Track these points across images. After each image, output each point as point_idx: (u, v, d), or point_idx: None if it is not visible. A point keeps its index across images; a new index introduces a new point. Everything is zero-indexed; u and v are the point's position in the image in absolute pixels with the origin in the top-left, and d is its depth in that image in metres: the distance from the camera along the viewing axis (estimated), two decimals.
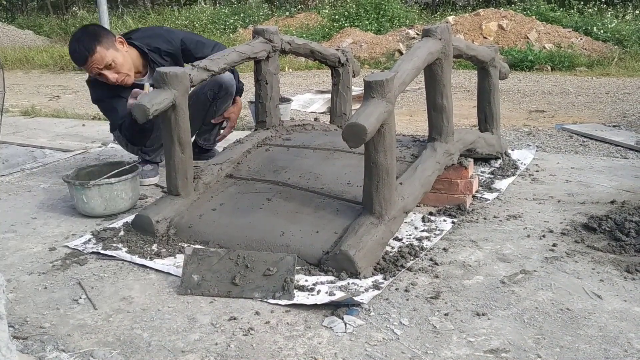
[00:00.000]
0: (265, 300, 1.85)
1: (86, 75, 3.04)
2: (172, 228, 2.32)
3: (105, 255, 2.21)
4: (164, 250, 2.21)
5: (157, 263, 2.11)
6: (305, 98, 6.11)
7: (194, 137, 3.27)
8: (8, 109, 5.83)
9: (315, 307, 1.79)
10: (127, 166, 2.77)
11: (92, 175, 2.76)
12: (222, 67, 2.53)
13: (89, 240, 2.35)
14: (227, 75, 3.08)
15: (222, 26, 12.04)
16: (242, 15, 12.63)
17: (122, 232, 2.38)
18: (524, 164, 3.24)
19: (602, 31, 9.02)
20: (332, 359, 1.54)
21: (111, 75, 2.81)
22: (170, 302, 1.86)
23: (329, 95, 3.85)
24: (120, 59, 2.84)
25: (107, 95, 2.97)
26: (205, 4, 14.06)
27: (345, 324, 1.69)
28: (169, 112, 2.29)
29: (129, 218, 2.52)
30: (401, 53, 8.97)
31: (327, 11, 11.74)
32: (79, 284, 2.00)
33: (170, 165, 2.40)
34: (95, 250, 2.25)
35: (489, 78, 3.05)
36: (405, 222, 2.39)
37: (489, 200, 2.69)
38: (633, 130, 4.25)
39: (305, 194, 2.36)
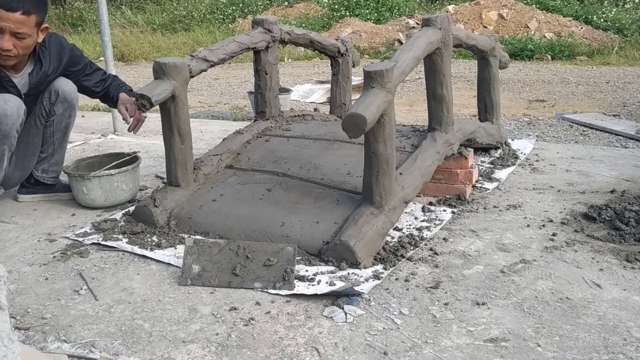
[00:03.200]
0: (265, 290, 1.85)
1: None
2: (173, 219, 2.33)
3: (106, 246, 2.21)
4: (165, 241, 2.21)
5: (158, 254, 2.12)
6: (304, 88, 6.10)
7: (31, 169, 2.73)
8: None
9: (315, 297, 1.79)
10: (128, 157, 2.77)
11: (92, 167, 2.75)
12: (221, 57, 2.52)
13: (90, 231, 2.35)
14: (66, 82, 2.62)
15: (221, 16, 11.98)
16: (240, 5, 12.57)
17: (122, 223, 2.39)
18: (524, 154, 3.24)
19: (602, 20, 8.99)
20: (333, 348, 1.55)
21: (7, 44, 2.30)
22: (171, 292, 1.87)
23: (328, 86, 3.84)
24: (31, 41, 2.38)
25: None
26: None
27: (346, 314, 1.69)
28: (168, 103, 2.28)
29: (130, 209, 2.52)
30: (401, 43, 8.94)
31: (326, 1, 11.68)
32: (79, 275, 2.00)
33: (170, 157, 2.40)
34: (95, 241, 2.25)
35: (489, 67, 3.04)
36: (405, 212, 2.40)
37: (488, 190, 2.69)
38: (633, 120, 4.24)
39: (305, 184, 2.36)
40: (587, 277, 1.87)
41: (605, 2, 10.18)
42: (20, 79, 2.50)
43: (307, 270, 1.94)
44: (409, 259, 2.04)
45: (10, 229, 2.45)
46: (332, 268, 1.95)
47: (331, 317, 1.69)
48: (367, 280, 1.86)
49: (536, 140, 3.56)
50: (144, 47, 9.79)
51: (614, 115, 4.39)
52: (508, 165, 3.01)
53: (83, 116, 4.99)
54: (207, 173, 2.53)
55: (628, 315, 1.65)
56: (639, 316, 1.65)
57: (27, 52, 2.44)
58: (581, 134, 3.92)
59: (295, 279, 1.88)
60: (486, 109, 3.12)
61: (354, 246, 1.94)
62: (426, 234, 2.22)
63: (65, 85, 2.63)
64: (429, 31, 2.31)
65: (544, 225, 2.29)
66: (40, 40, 2.47)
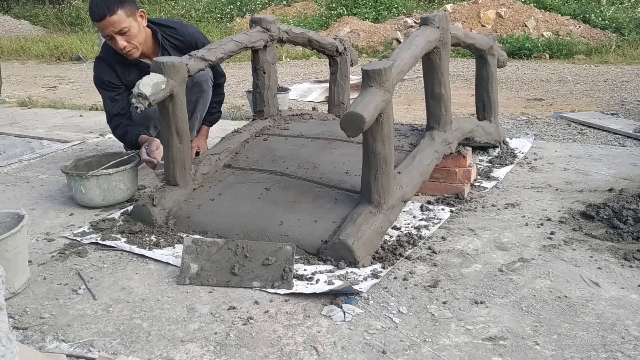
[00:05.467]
0: (264, 289, 1.85)
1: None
2: (171, 218, 2.32)
3: (104, 245, 2.21)
4: (163, 240, 2.21)
5: (156, 253, 2.12)
6: (303, 87, 6.09)
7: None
8: (5, 100, 5.81)
9: (314, 296, 1.79)
10: (126, 157, 2.77)
11: (90, 166, 2.75)
12: (219, 56, 2.51)
13: (88, 230, 2.35)
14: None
15: (219, 15, 11.97)
16: (238, 3, 12.56)
17: (120, 223, 2.38)
18: (522, 153, 3.24)
19: (600, 19, 8.99)
20: (331, 347, 1.55)
21: (121, 42, 2.75)
22: (170, 292, 1.87)
23: (326, 85, 3.85)
24: (135, 29, 2.79)
25: (111, 83, 2.94)
26: None
27: (344, 313, 1.70)
28: (167, 102, 2.28)
29: (128, 208, 2.52)
30: (399, 42, 8.94)
31: None
32: (78, 275, 2.00)
33: (168, 156, 2.39)
34: (94, 240, 2.25)
35: (487, 66, 3.04)
36: (404, 211, 2.40)
37: (487, 188, 2.69)
38: (631, 118, 4.24)
39: (303, 183, 2.36)
40: (585, 276, 1.88)
41: (603, 0, 10.18)
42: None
43: (305, 270, 1.94)
44: (408, 257, 2.04)
45: None
46: (330, 267, 1.95)
47: (330, 316, 1.69)
48: (365, 279, 1.86)
49: (534, 139, 3.56)
50: None
51: (612, 114, 4.39)
52: (506, 164, 3.01)
53: (81, 115, 4.98)
54: (205, 172, 2.53)
55: (626, 313, 1.66)
56: (637, 314, 1.65)
57: (141, 39, 2.83)
58: (579, 132, 3.92)
59: (294, 278, 1.88)
60: (484, 107, 3.12)
61: (352, 245, 1.94)
62: (425, 232, 2.22)
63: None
64: (427, 30, 2.31)
65: (542, 224, 2.29)
66: (144, 24, 2.88)
